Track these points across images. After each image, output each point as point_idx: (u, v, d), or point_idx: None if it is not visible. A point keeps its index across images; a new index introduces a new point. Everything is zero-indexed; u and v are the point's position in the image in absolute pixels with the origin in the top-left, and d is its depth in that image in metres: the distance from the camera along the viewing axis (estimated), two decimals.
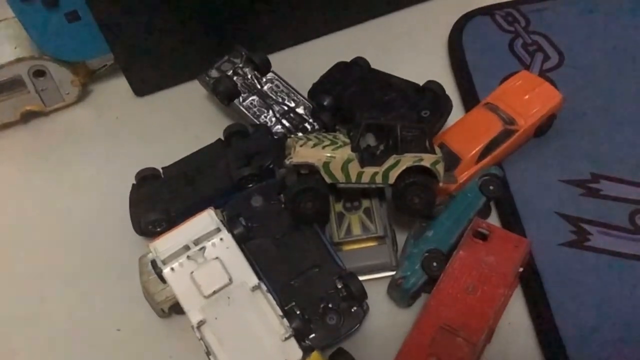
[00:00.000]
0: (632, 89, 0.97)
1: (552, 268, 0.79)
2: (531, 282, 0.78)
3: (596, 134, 0.92)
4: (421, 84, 0.95)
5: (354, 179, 0.79)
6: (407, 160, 0.78)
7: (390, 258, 0.81)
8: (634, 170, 0.87)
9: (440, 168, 0.79)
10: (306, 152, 0.78)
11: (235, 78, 0.97)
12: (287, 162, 0.79)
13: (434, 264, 0.77)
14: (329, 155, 0.78)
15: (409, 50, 1.10)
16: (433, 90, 0.93)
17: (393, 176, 0.78)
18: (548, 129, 0.92)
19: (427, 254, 0.78)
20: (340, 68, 1.01)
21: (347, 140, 0.80)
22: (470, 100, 0.98)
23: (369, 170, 0.78)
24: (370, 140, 0.81)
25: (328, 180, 0.79)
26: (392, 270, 0.81)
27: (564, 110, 0.92)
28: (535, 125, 0.89)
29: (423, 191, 0.79)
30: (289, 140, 0.82)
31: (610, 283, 0.77)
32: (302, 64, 1.08)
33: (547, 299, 0.76)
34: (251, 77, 0.98)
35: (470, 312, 0.72)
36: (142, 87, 1.09)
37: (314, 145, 0.79)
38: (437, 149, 0.81)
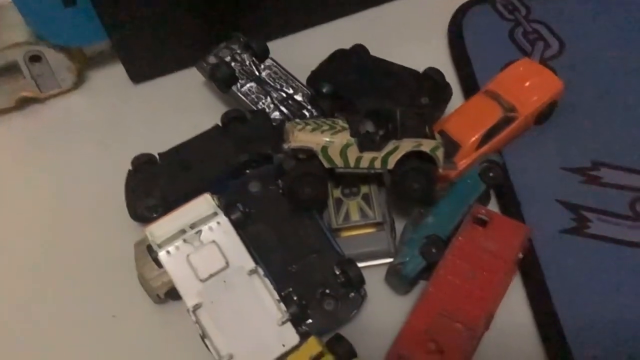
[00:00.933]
0: (633, 76, 0.96)
1: (551, 255, 0.78)
2: (530, 269, 0.78)
3: (597, 121, 0.91)
4: (421, 72, 0.94)
5: (352, 164, 0.78)
6: (407, 145, 0.77)
7: (389, 245, 0.80)
8: (635, 158, 0.86)
9: (439, 154, 0.78)
10: (305, 137, 0.77)
11: (233, 64, 0.96)
12: (285, 146, 0.78)
13: (433, 250, 0.76)
14: (327, 139, 0.77)
15: (409, 38, 1.09)
16: (433, 77, 0.93)
17: (392, 161, 0.78)
18: (549, 117, 0.91)
19: (426, 240, 0.77)
20: (339, 55, 1.00)
21: (346, 126, 0.79)
22: (470, 88, 0.98)
23: (368, 156, 0.77)
24: (370, 126, 0.81)
25: (326, 165, 0.78)
26: (390, 257, 0.80)
27: (565, 98, 0.92)
28: (536, 112, 0.88)
29: (422, 177, 0.78)
30: (287, 125, 0.81)
31: (610, 270, 0.76)
32: (301, 52, 1.06)
33: (547, 286, 0.76)
34: (249, 63, 0.97)
35: (469, 298, 0.71)
36: (139, 74, 1.08)
37: (313, 130, 0.78)
38: (437, 135, 0.80)
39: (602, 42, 1.01)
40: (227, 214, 0.74)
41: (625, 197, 0.83)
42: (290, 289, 0.75)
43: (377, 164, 0.78)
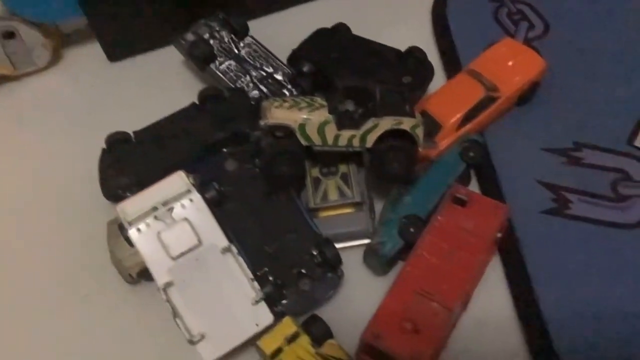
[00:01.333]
0: (617, 58, 0.95)
1: (531, 236, 0.77)
2: (510, 249, 0.77)
3: (580, 103, 0.90)
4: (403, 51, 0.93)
5: (330, 142, 0.76)
6: (386, 123, 0.75)
7: (368, 225, 0.79)
8: (617, 139, 0.86)
9: (419, 132, 0.77)
10: (282, 114, 0.75)
11: (211, 42, 0.94)
12: (262, 123, 0.76)
13: (412, 229, 0.75)
14: (305, 116, 0.75)
15: (392, 17, 1.07)
16: (415, 56, 0.91)
17: (371, 139, 0.76)
18: (531, 97, 0.90)
19: (404, 220, 0.76)
20: (321, 34, 0.98)
21: (325, 103, 0.78)
22: (453, 68, 0.96)
23: (346, 133, 0.76)
24: (350, 105, 0.79)
25: (304, 142, 0.76)
26: (369, 238, 0.78)
27: (548, 80, 0.90)
28: (518, 92, 0.87)
29: (402, 155, 0.77)
30: (264, 102, 0.80)
31: (590, 250, 0.75)
32: (283, 31, 1.04)
33: (526, 266, 0.74)
34: (228, 41, 0.95)
35: (446, 277, 0.70)
36: (115, 52, 1.05)
37: (290, 107, 0.76)
38: (417, 114, 0.79)
39: (587, 23, 1.00)
40: (202, 193, 0.72)
41: (606, 178, 0.82)
42: (266, 269, 0.73)
43: (356, 142, 0.76)
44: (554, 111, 0.89)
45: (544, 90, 0.90)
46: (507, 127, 0.88)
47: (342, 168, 0.82)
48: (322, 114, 0.75)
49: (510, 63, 0.89)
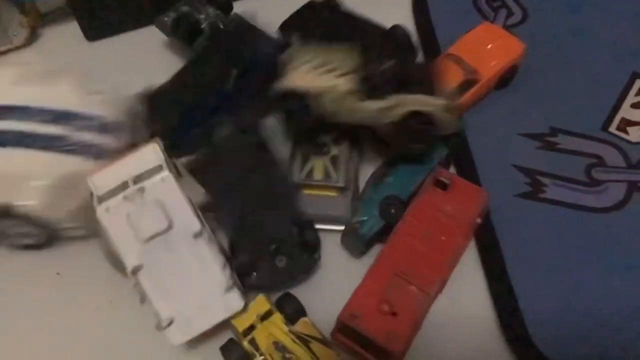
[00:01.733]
0: (593, 44, 0.96)
1: (505, 219, 0.77)
2: (484, 232, 0.77)
3: (557, 89, 0.91)
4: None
5: (350, 114, 0.74)
6: (415, 101, 0.72)
7: (346, 212, 0.78)
8: (592, 124, 0.86)
9: (446, 117, 0.74)
10: (300, 79, 0.74)
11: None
12: (277, 88, 0.75)
13: (392, 210, 0.75)
14: (324, 85, 0.73)
15: (372, 1, 1.06)
16: (399, 38, 0.91)
17: (395, 116, 0.73)
18: (510, 81, 0.91)
19: (385, 200, 0.75)
20: (310, 7, 0.97)
21: (350, 67, 0.74)
22: (432, 55, 0.96)
23: (370, 105, 0.72)
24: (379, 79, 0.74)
25: (319, 111, 0.74)
26: (345, 226, 0.77)
27: (525, 65, 0.91)
28: (497, 75, 0.88)
29: (423, 137, 0.75)
30: (290, 51, 0.78)
31: (564, 234, 0.76)
32: (267, 9, 1.03)
33: (500, 249, 0.75)
34: (213, 16, 0.93)
35: (425, 260, 0.70)
36: (93, 32, 1.04)
37: (314, 69, 0.74)
38: (444, 94, 0.75)
39: (564, 11, 1.01)
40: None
41: (581, 163, 0.83)
42: (244, 239, 0.73)
43: (378, 115, 0.73)
44: (530, 97, 0.90)
45: (521, 77, 0.91)
46: (485, 111, 0.88)
47: (334, 150, 0.80)
48: (345, 83, 0.72)
49: (489, 46, 0.89)
